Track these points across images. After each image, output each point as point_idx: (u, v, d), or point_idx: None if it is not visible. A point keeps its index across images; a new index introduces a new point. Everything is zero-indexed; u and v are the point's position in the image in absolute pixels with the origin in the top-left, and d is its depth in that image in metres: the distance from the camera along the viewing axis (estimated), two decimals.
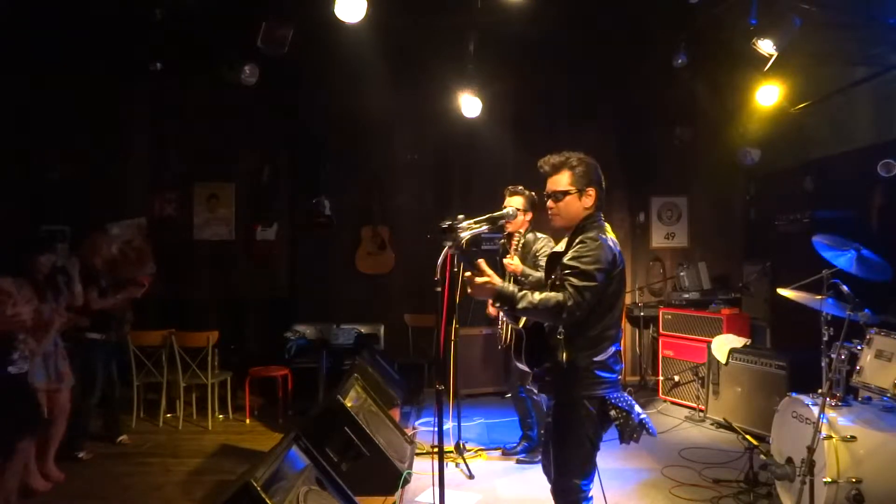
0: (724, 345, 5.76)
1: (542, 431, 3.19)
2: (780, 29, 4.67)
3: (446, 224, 2.74)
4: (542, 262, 4.27)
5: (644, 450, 4.93)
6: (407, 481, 4.21)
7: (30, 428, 4.08)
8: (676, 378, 6.45)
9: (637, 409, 2.70)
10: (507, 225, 4.48)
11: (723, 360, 5.69)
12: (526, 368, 2.93)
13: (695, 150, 7.38)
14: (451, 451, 4.73)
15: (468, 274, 2.64)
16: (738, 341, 5.79)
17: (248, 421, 6.09)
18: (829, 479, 3.37)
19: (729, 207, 7.74)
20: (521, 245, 4.52)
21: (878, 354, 3.79)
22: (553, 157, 2.82)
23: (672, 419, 5.99)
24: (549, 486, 2.84)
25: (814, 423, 3.47)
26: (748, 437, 4.25)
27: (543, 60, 6.79)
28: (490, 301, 2.80)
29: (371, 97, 6.63)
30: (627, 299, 6.17)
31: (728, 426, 5.23)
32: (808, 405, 3.71)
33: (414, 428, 5.60)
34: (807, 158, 6.46)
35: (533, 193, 4.56)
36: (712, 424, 5.72)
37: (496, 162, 7.10)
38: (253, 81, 6.05)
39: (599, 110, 7.31)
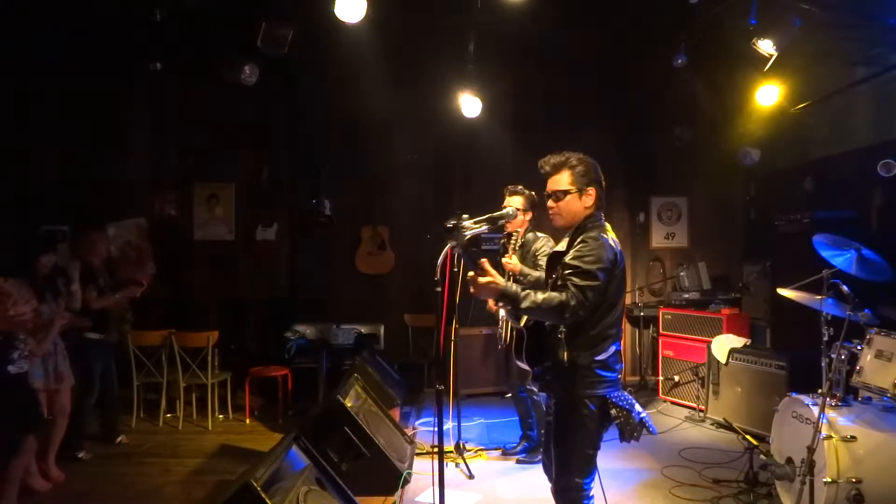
0: (724, 345, 5.76)
1: (543, 431, 3.19)
2: (780, 29, 4.68)
3: (451, 223, 2.74)
4: (542, 261, 4.28)
5: (644, 450, 4.93)
6: (407, 481, 4.21)
7: (31, 427, 4.07)
8: (676, 378, 6.46)
9: (637, 407, 2.72)
10: (508, 225, 4.48)
11: (723, 360, 5.69)
12: (527, 367, 2.93)
13: (695, 150, 7.36)
14: (451, 451, 4.73)
15: (471, 274, 2.64)
16: (738, 341, 5.79)
17: (248, 421, 6.08)
18: (829, 479, 3.38)
19: (729, 207, 7.73)
20: (520, 244, 4.53)
21: (878, 354, 3.80)
22: (553, 156, 2.83)
23: (672, 419, 5.99)
24: (549, 485, 2.85)
25: (814, 423, 3.47)
26: (748, 437, 4.24)
27: (543, 60, 6.79)
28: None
29: (371, 97, 6.61)
30: (627, 299, 6.17)
31: (728, 426, 5.23)
32: (808, 405, 3.71)
33: (414, 428, 5.60)
34: (807, 158, 6.45)
35: (533, 193, 4.56)
36: (712, 424, 5.72)
37: (496, 162, 7.08)
38: (253, 81, 6.06)
39: (599, 110, 7.29)
